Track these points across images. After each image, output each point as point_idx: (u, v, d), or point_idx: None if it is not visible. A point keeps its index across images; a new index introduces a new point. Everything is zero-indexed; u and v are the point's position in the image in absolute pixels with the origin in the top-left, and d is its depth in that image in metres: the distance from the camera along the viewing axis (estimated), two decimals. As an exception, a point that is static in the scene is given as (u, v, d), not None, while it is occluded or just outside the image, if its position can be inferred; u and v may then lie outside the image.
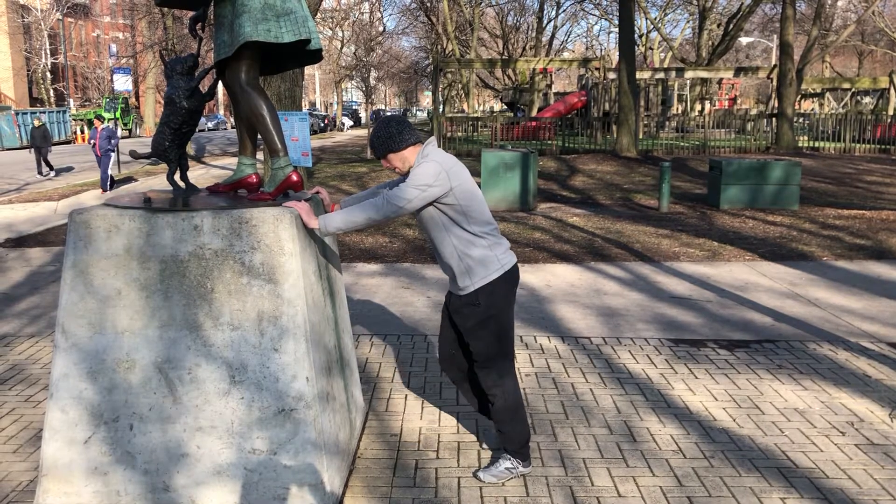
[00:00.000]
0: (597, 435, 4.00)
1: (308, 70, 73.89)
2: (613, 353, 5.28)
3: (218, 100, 64.81)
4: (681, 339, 5.58)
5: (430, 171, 3.23)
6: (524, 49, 48.23)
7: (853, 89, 32.19)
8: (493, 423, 3.57)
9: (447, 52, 42.28)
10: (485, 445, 3.89)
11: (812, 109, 39.84)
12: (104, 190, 15.40)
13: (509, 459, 3.53)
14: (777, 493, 3.39)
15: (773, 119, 23.83)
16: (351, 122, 57.36)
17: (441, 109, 32.28)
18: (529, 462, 3.58)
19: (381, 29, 46.17)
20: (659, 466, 3.66)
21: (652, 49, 46.90)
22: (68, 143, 37.47)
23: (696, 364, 5.06)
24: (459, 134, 25.56)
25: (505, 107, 44.10)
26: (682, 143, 23.63)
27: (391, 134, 3.33)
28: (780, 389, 4.61)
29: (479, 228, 3.37)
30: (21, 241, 9.83)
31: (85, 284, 3.13)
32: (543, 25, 43.47)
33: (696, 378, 4.81)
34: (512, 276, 3.46)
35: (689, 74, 27.75)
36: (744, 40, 42.15)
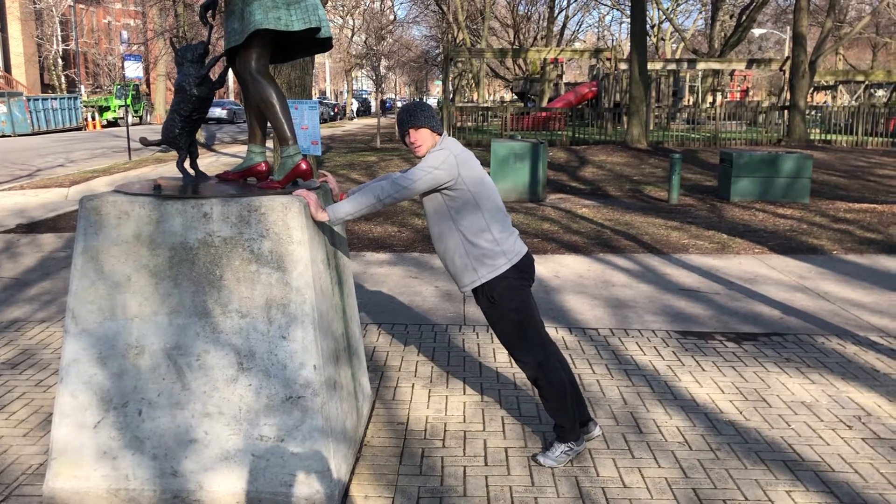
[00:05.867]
0: (603, 426, 4.00)
1: (318, 58, 73.87)
2: (621, 345, 5.28)
3: (228, 87, 64.85)
4: (689, 332, 5.58)
5: (438, 156, 3.31)
6: (535, 39, 48.01)
7: (867, 82, 31.92)
8: (546, 409, 3.61)
9: (458, 41, 42.13)
10: (490, 435, 3.90)
11: (825, 102, 39.56)
12: None
13: (564, 443, 3.58)
14: (783, 486, 3.39)
15: (786, 111, 23.66)
16: (357, 106, 57.27)
17: (451, 99, 32.19)
18: (582, 440, 3.63)
19: (391, 17, 46.05)
20: (665, 458, 3.66)
21: (664, 40, 46.59)
22: (79, 129, 37.59)
23: (703, 356, 5.06)
24: (469, 124, 25.50)
25: (515, 97, 43.98)
26: (693, 135, 23.50)
27: (416, 113, 3.42)
28: (787, 382, 4.61)
29: (490, 217, 3.38)
30: (33, 227, 9.89)
31: (95, 270, 3.15)
32: (555, 15, 43.21)
33: (704, 370, 4.81)
34: (524, 263, 3.48)
35: (700, 66, 27.56)
36: (757, 32, 41.85)
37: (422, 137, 3.43)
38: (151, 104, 46.03)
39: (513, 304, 3.44)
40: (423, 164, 3.29)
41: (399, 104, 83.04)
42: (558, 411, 3.55)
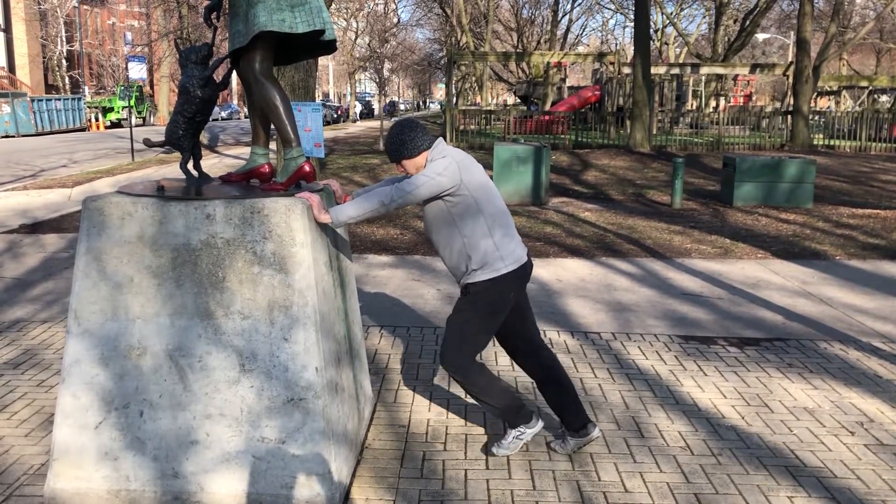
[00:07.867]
0: (604, 430, 4.00)
1: (322, 61, 73.94)
2: (623, 349, 5.27)
3: (232, 89, 64.92)
4: (691, 336, 5.57)
5: (440, 163, 3.32)
6: (539, 42, 48.04)
7: (870, 87, 31.87)
8: (483, 408, 3.62)
9: (461, 44, 42.18)
10: (491, 438, 3.89)
11: (828, 107, 39.51)
12: None
13: (514, 428, 3.62)
14: (784, 492, 3.39)
15: (789, 116, 23.64)
16: (360, 109, 57.51)
17: (454, 102, 32.21)
18: (534, 421, 3.65)
19: (395, 20, 46.11)
20: (666, 462, 3.65)
21: (667, 44, 46.60)
22: (83, 130, 37.66)
23: (705, 361, 5.05)
24: (472, 127, 25.50)
25: (518, 100, 43.99)
26: (696, 140, 23.50)
27: (404, 141, 3.38)
28: (789, 388, 4.60)
29: (492, 221, 3.39)
30: (36, 227, 9.90)
31: (98, 271, 3.15)
32: (558, 19, 43.27)
33: (706, 375, 4.80)
34: (522, 271, 3.48)
35: (704, 70, 27.56)
36: (760, 36, 41.77)
37: (417, 163, 3.42)
38: (155, 105, 46.12)
39: (484, 307, 3.42)
40: (427, 171, 3.30)
41: (403, 108, 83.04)
42: (493, 403, 3.51)
